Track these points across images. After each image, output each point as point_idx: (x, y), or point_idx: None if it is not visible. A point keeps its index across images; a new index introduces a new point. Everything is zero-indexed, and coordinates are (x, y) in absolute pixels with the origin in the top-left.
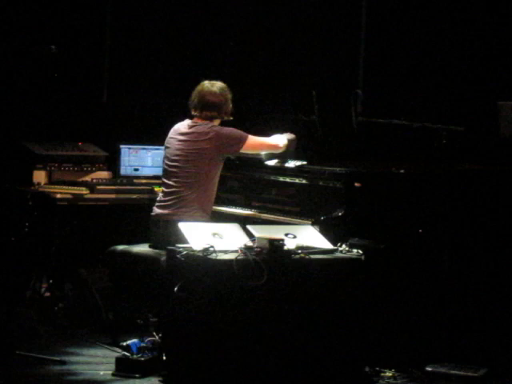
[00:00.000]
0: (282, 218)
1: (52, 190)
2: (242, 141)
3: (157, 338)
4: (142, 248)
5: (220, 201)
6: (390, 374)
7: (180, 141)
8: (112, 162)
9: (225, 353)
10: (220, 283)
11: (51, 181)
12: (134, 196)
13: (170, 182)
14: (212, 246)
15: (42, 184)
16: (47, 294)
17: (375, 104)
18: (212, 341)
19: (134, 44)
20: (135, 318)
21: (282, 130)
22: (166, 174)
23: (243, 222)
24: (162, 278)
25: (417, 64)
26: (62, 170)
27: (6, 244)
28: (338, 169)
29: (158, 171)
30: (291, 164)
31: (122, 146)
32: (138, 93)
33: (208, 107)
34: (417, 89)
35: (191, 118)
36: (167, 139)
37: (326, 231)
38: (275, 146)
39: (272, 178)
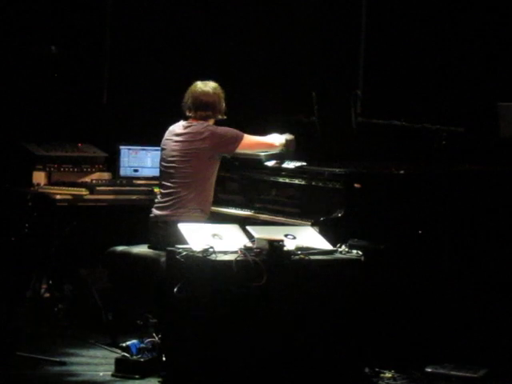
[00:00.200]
0: (281, 219)
1: (52, 191)
2: (237, 140)
3: (156, 338)
4: (142, 249)
5: (220, 202)
6: (390, 375)
7: (176, 142)
8: (112, 163)
9: (224, 353)
10: (220, 284)
11: (51, 182)
12: (134, 197)
13: (168, 183)
14: (212, 247)
15: (42, 185)
16: (47, 294)
17: (375, 105)
18: (211, 342)
19: (133, 45)
20: (135, 318)
21: (281, 131)
22: (163, 175)
23: (243, 222)
24: (162, 278)
25: (416, 65)
26: (61, 171)
27: (5, 245)
28: (337, 169)
29: (158, 172)
30: (291, 165)
31: (121, 147)
32: (137, 94)
33: (202, 107)
34: (416, 89)
35: (186, 119)
36: (163, 141)
37: (325, 232)
38: (271, 145)
39: (272, 178)
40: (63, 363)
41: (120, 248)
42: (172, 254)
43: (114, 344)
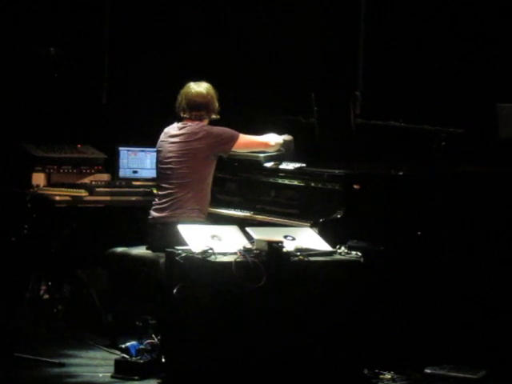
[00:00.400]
0: (280, 220)
1: (51, 193)
2: (233, 139)
3: (156, 340)
4: (141, 250)
5: (219, 203)
6: (389, 376)
7: (171, 143)
8: (111, 164)
9: (224, 355)
10: (219, 285)
11: (50, 183)
12: (133, 198)
13: (165, 185)
14: (211, 248)
15: (41, 186)
16: (46, 295)
17: (374, 106)
18: (211, 343)
19: (133, 46)
20: (134, 320)
21: (280, 132)
22: (160, 176)
23: (242, 224)
24: (161, 280)
25: (415, 66)
26: (60, 173)
27: (5, 246)
28: (336, 171)
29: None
30: (290, 166)
31: (120, 149)
32: (136, 95)
33: (196, 107)
34: (415, 90)
35: (179, 120)
36: (158, 143)
37: (324, 233)
38: (266, 144)
39: (271, 180)
40: (62, 364)
41: (119, 249)
42: (171, 256)
43: (113, 345)
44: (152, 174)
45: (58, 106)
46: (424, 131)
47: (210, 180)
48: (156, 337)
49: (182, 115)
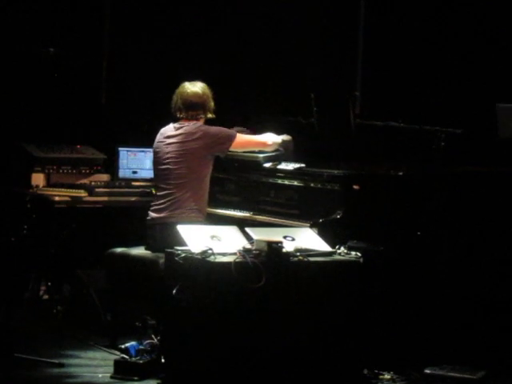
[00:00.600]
0: (280, 221)
1: (50, 193)
2: (230, 139)
3: (155, 340)
4: (141, 250)
5: (218, 203)
6: (389, 377)
7: (168, 143)
8: (110, 165)
9: (223, 355)
10: (218, 286)
11: (49, 183)
12: (133, 198)
13: (163, 185)
14: (210, 249)
15: (41, 187)
16: (46, 296)
17: (373, 106)
18: (210, 343)
19: (132, 46)
20: (134, 320)
21: (279, 132)
22: (158, 177)
23: (241, 224)
24: (161, 280)
25: (415, 66)
26: (60, 173)
27: (4, 246)
28: (336, 171)
29: None
30: (289, 166)
31: (120, 149)
32: (136, 96)
33: (192, 107)
34: (415, 91)
35: (175, 121)
36: (155, 144)
37: (324, 233)
38: (263, 144)
39: (270, 180)
40: (61, 365)
41: (119, 249)
42: (171, 256)
43: (112, 346)
44: (151, 174)
45: (58, 106)
46: (424, 131)
47: (207, 180)
48: (155, 337)
49: (178, 115)
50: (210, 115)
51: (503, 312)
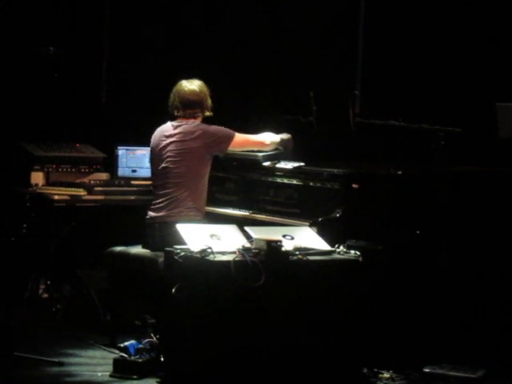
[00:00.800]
0: (279, 220)
1: (50, 192)
2: (229, 138)
3: (154, 339)
4: (140, 249)
5: (218, 202)
6: (388, 376)
7: (167, 142)
8: (110, 164)
9: (222, 354)
10: (218, 284)
11: (49, 182)
12: (132, 197)
13: (161, 184)
14: (210, 248)
15: (40, 185)
16: (45, 295)
17: (373, 105)
18: (210, 342)
19: (132, 45)
20: (133, 319)
21: (279, 131)
22: (157, 176)
23: (241, 223)
24: (160, 279)
25: (414, 65)
26: (59, 172)
27: (4, 245)
28: (335, 170)
29: None
30: (289, 165)
31: (119, 148)
32: (136, 94)
33: (190, 105)
34: (414, 90)
35: (172, 119)
36: (153, 142)
37: (323, 232)
38: (262, 144)
39: (269, 179)
40: (61, 363)
41: (118, 248)
42: (170, 255)
43: (112, 344)
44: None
45: (58, 105)
46: (423, 130)
47: (206, 179)
48: (155, 336)
49: (175, 114)
50: (207, 113)
51: (503, 312)
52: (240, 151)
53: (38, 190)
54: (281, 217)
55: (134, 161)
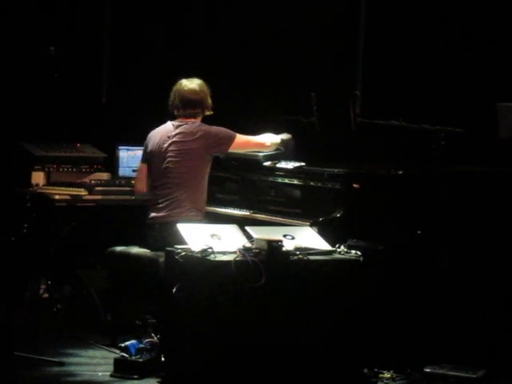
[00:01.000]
0: (280, 219)
1: (50, 191)
2: (230, 139)
3: (155, 339)
4: (141, 249)
5: (218, 202)
6: (389, 376)
7: (168, 143)
8: (110, 164)
9: (223, 354)
10: (218, 284)
11: (49, 182)
12: (133, 197)
13: (161, 185)
14: (210, 247)
15: (41, 185)
16: (46, 295)
17: (374, 105)
18: (210, 342)
19: (133, 45)
20: (134, 319)
21: (280, 131)
22: (157, 176)
23: (241, 223)
24: (161, 279)
25: (415, 65)
26: (60, 172)
27: (4, 245)
28: (336, 170)
29: None
30: (290, 165)
31: (120, 148)
32: (136, 94)
33: (191, 105)
34: (415, 90)
35: (173, 119)
36: (152, 142)
37: (324, 232)
38: (262, 145)
39: (270, 179)
40: (62, 363)
41: (119, 248)
42: (171, 255)
43: (112, 344)
44: None
45: (58, 105)
46: (424, 131)
47: (206, 179)
48: (155, 336)
49: (175, 113)
50: (207, 112)
51: (503, 312)
52: (240, 152)
53: (39, 190)
54: (281, 217)
55: (135, 161)
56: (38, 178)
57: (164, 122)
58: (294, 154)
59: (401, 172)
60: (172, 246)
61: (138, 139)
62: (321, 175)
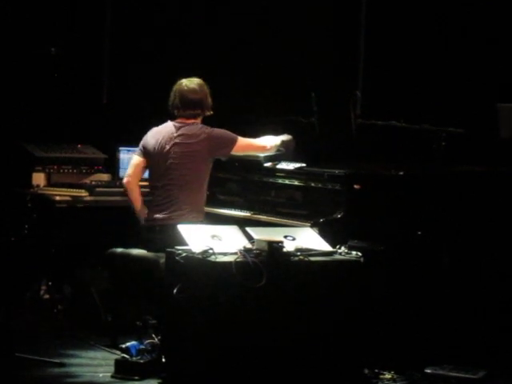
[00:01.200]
0: (280, 220)
1: (51, 193)
2: (233, 142)
3: (156, 340)
4: (141, 250)
5: (219, 203)
6: (390, 376)
7: (170, 144)
8: (111, 165)
9: (224, 355)
10: (219, 285)
11: (50, 183)
12: None
13: (162, 186)
14: (211, 248)
15: (41, 186)
16: (46, 296)
17: (374, 106)
18: (211, 343)
19: (133, 46)
20: (134, 320)
21: (280, 132)
22: (158, 177)
23: (242, 224)
24: (161, 280)
25: (416, 66)
26: (61, 172)
27: (5, 246)
28: (337, 171)
29: None
30: (290, 166)
31: (121, 149)
32: (137, 95)
33: (191, 105)
34: (416, 90)
35: (173, 119)
36: (152, 143)
37: (324, 233)
38: (263, 148)
39: (271, 179)
40: (62, 364)
41: (120, 249)
42: (171, 255)
43: (113, 345)
44: None
45: (59, 105)
46: (424, 131)
47: (206, 181)
48: (156, 337)
49: (175, 113)
50: (208, 113)
51: (503, 312)
52: (242, 155)
53: (40, 191)
54: (282, 217)
55: None
56: (39, 178)
57: (164, 122)
58: (295, 155)
59: (401, 172)
60: (172, 247)
61: (139, 140)
62: (321, 176)
